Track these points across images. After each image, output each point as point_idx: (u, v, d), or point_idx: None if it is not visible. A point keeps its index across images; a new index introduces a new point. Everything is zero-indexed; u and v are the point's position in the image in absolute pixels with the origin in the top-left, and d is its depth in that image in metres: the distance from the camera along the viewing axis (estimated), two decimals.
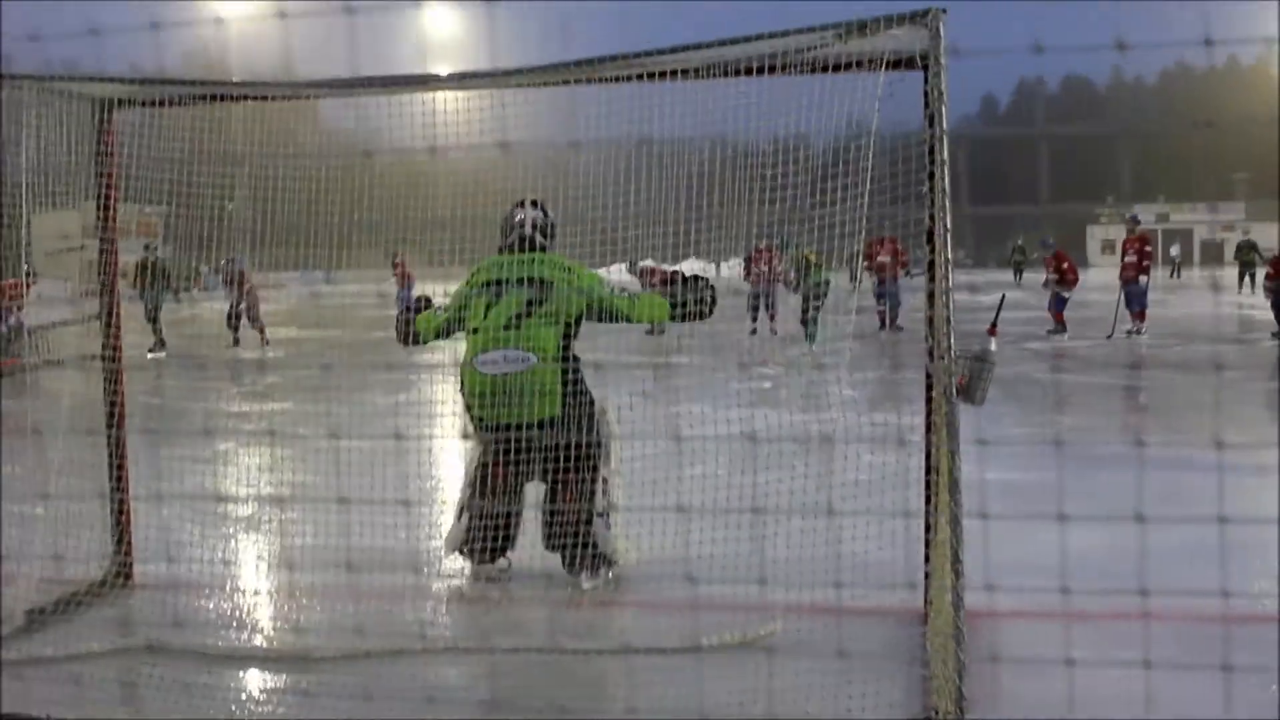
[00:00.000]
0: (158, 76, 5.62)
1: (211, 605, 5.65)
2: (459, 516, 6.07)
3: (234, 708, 4.49)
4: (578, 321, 5.99)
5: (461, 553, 6.07)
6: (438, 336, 6.25)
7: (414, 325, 6.23)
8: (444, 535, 6.17)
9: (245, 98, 5.47)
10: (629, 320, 6.02)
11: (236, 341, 21.53)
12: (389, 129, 5.38)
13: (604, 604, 5.55)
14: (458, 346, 6.18)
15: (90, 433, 5.69)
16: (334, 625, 5.05)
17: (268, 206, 5.76)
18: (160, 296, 20.46)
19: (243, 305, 21.17)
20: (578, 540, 5.79)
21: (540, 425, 5.74)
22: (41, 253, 6.24)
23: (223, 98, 5.44)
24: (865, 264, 20.34)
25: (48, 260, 6.51)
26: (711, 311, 6.08)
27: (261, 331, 21.48)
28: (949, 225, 3.92)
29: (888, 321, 22.70)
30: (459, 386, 5.98)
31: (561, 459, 5.71)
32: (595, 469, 5.91)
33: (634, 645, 4.89)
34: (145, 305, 20.17)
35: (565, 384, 5.82)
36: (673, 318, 6.04)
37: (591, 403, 5.98)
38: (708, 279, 6.09)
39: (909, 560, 4.57)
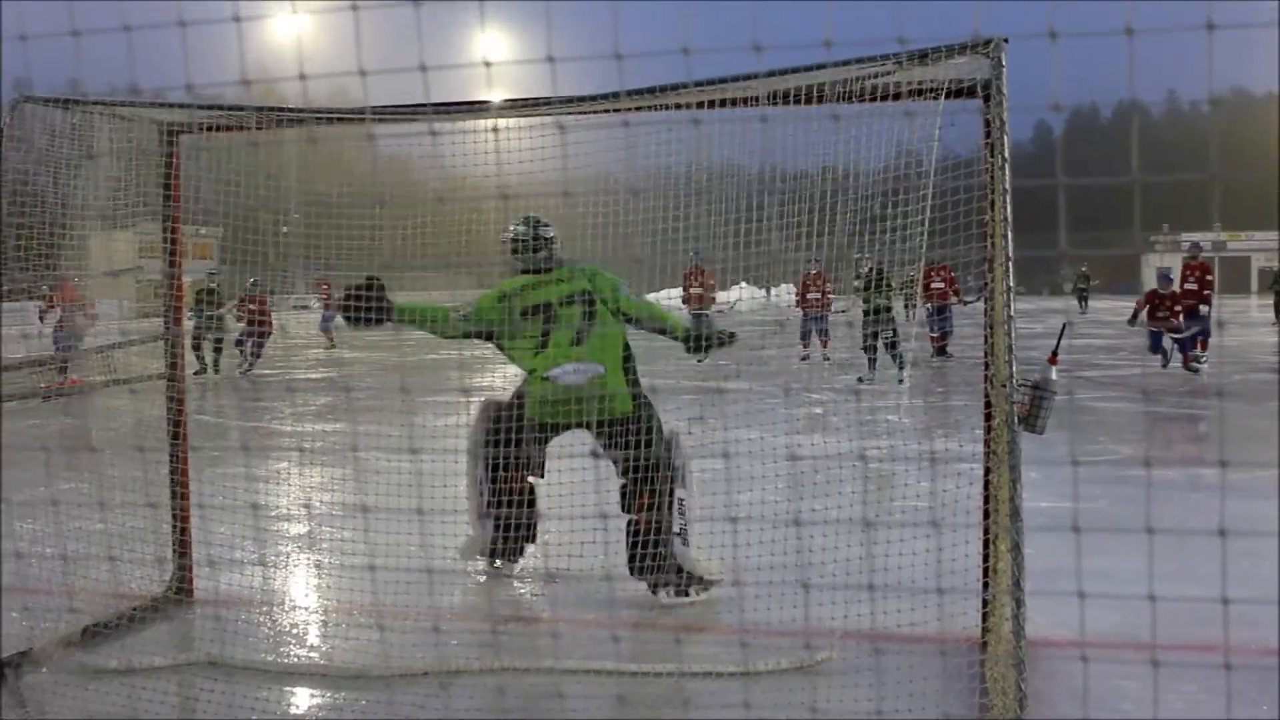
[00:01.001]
0: (218, 102, 5.70)
1: (268, 621, 5.71)
2: (479, 524, 6.30)
3: None
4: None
5: (484, 555, 6.40)
6: (426, 328, 6.29)
7: (391, 304, 6.05)
8: (461, 546, 6.27)
9: (306, 123, 5.53)
10: (658, 323, 6.36)
11: (204, 369, 20.43)
12: (449, 154, 5.43)
13: (655, 627, 5.54)
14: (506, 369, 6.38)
15: (150, 450, 5.76)
16: (390, 643, 5.09)
17: (322, 229, 5.84)
18: (215, 322, 20.25)
19: (252, 331, 20.05)
20: (658, 563, 6.00)
21: (615, 423, 6.05)
22: (99, 273, 6.34)
23: (286, 123, 5.51)
24: (921, 291, 20.21)
25: (104, 281, 6.61)
26: (702, 355, 6.55)
27: (256, 356, 20.87)
28: (1010, 254, 3.91)
29: (939, 348, 22.25)
30: (519, 404, 6.18)
31: (641, 481, 6.02)
32: (672, 491, 6.10)
33: (688, 669, 4.89)
34: (199, 329, 19.93)
35: (632, 387, 6.19)
36: (685, 337, 6.32)
37: (656, 417, 6.21)
38: (720, 337, 6.37)
39: (965, 587, 4.54)
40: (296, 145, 6.06)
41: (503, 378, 6.67)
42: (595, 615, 5.75)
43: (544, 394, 6.12)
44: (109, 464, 5.55)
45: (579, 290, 6.25)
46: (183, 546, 6.03)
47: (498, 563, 6.54)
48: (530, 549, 6.51)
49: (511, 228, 6.42)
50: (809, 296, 20.49)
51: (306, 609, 6.18)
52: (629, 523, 6.11)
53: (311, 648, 5.48)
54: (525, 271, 6.35)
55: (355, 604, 5.78)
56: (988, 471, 4.54)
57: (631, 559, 6.07)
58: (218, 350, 20.97)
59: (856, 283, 16.62)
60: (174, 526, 5.99)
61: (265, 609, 5.86)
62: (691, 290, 21.07)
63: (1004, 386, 3.91)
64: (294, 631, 5.69)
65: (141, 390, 5.94)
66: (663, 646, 5.30)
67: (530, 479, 6.34)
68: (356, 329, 6.12)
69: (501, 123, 5.16)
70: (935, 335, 22.12)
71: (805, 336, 21.35)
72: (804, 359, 21.02)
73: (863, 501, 4.34)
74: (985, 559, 4.56)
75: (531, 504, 6.37)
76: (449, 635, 5.30)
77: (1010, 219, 3.93)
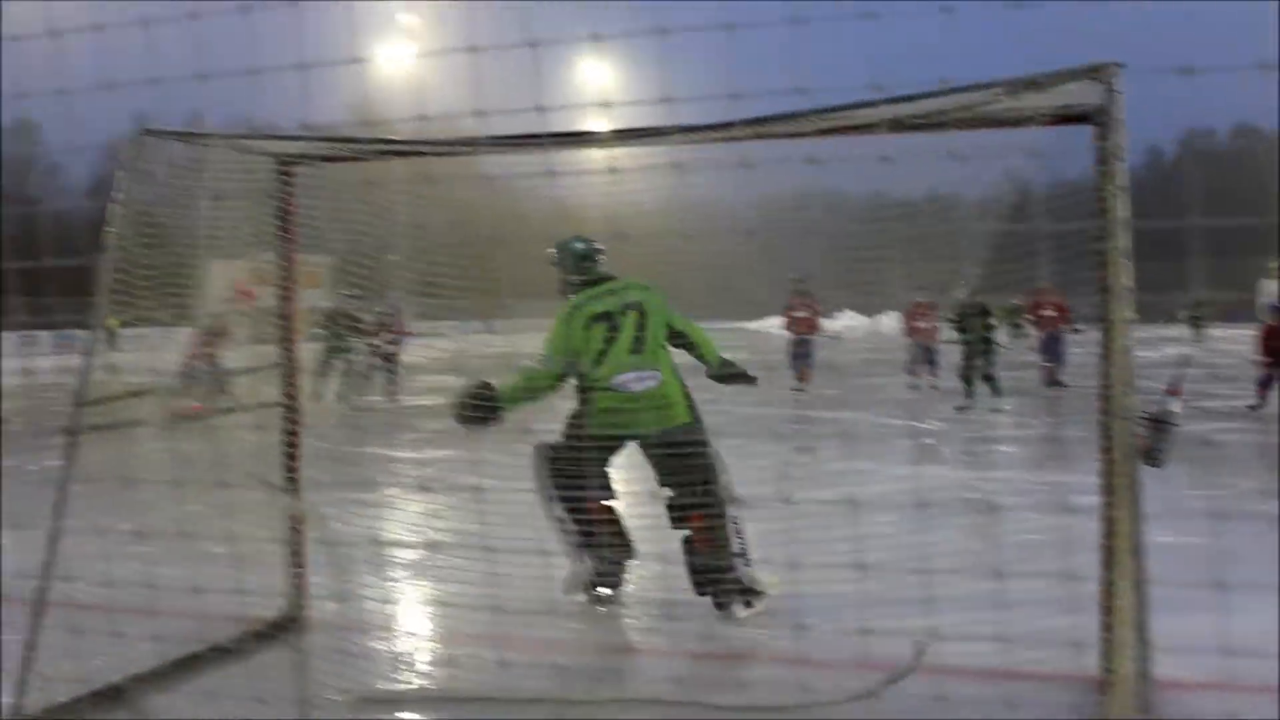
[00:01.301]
0: (329, 133, 5.80)
1: (384, 646, 5.78)
2: (575, 559, 6.42)
3: None
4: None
5: (587, 589, 6.49)
6: (534, 397, 6.49)
7: (498, 400, 6.38)
8: (565, 582, 6.42)
9: (420, 154, 5.61)
10: (693, 345, 6.73)
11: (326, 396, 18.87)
12: (556, 181, 5.48)
13: (770, 659, 5.50)
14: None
15: (264, 480, 5.87)
16: (507, 671, 5.14)
17: (428, 256, 5.93)
18: (342, 346, 19.04)
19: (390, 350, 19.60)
20: (722, 583, 6.14)
21: (673, 432, 6.30)
22: (213, 302, 6.49)
23: (397, 154, 5.59)
24: (1030, 318, 19.62)
25: (218, 310, 6.77)
26: (737, 382, 6.87)
27: (391, 382, 20.22)
28: (1130, 283, 3.83)
29: (1052, 378, 21.15)
30: (584, 412, 6.44)
31: (692, 495, 6.19)
32: (724, 513, 6.24)
33: (806, 700, 4.82)
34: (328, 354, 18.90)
35: (686, 397, 6.50)
36: (722, 366, 6.78)
37: (703, 429, 6.48)
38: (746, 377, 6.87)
39: (1081, 625, 4.43)
40: (407, 179, 6.15)
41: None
42: (709, 647, 5.72)
43: (607, 404, 6.32)
44: (228, 490, 5.67)
45: (633, 300, 6.48)
46: (299, 572, 6.13)
47: (601, 592, 6.58)
48: (630, 579, 6.62)
49: (576, 244, 6.62)
50: (918, 325, 20.31)
51: (420, 636, 6.24)
52: (685, 540, 6.24)
53: (424, 674, 5.53)
54: (584, 285, 6.56)
55: (469, 633, 5.83)
56: (1107, 506, 4.42)
57: (697, 577, 6.20)
58: (346, 375, 19.87)
59: (952, 313, 16.43)
60: (292, 552, 6.09)
61: (380, 635, 5.93)
62: (797, 315, 20.93)
63: (1123, 419, 3.82)
64: (408, 658, 5.74)
65: (261, 417, 6.07)
66: (772, 676, 5.25)
67: (607, 504, 6.48)
68: (469, 429, 6.43)
69: (617, 162, 5.19)
70: (1047, 364, 21.18)
71: (913, 366, 21.03)
72: (913, 388, 20.70)
73: (980, 536, 4.27)
74: (1106, 596, 4.44)
75: (617, 528, 6.52)
76: (564, 665, 5.33)
77: (1128, 247, 3.85)
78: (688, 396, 6.51)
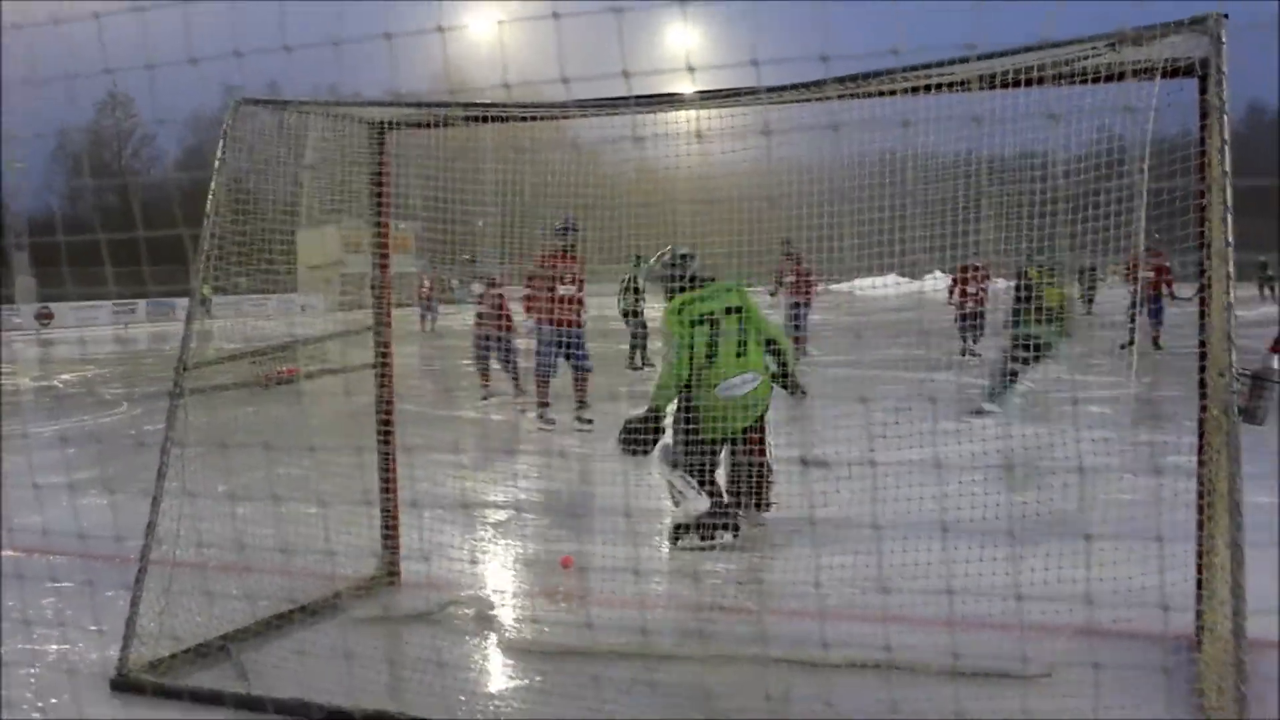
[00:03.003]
0: (421, 99, 5.85)
1: (472, 605, 5.88)
2: (691, 518, 6.88)
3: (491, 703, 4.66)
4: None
5: (687, 535, 6.98)
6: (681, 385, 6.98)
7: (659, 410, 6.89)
8: (670, 533, 7.01)
9: (511, 119, 5.63)
10: (779, 349, 7.21)
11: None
12: (647, 144, 5.47)
13: (860, 617, 5.49)
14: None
15: (358, 444, 5.97)
16: (589, 625, 5.21)
17: (516, 222, 5.98)
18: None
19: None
20: (756, 490, 7.11)
21: (760, 420, 7.05)
22: (304, 268, 6.59)
23: (490, 119, 5.62)
24: (1130, 279, 18.02)
25: (309, 275, 6.88)
26: (793, 393, 7.37)
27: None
28: (1230, 239, 3.74)
29: (1152, 340, 19.86)
30: (696, 409, 6.87)
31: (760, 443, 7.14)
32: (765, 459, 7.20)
33: (894, 661, 4.81)
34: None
35: (770, 386, 7.10)
36: (780, 368, 7.20)
37: None
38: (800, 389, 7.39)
39: (1177, 584, 4.37)
40: (492, 139, 6.18)
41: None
42: (799, 605, 5.73)
43: (713, 407, 6.82)
44: (323, 450, 5.78)
45: (734, 304, 7.01)
46: (391, 532, 6.24)
47: (700, 541, 6.98)
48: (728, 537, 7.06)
49: (670, 250, 7.21)
50: (967, 290, 18.23)
51: (508, 592, 6.32)
52: (734, 464, 7.09)
53: (515, 628, 5.61)
54: (682, 289, 7.10)
55: (558, 589, 5.90)
56: (1201, 465, 4.35)
57: (732, 487, 7.09)
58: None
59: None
60: (384, 513, 6.19)
61: (470, 592, 6.02)
62: (785, 280, 19.50)
63: (1222, 375, 3.75)
64: (498, 615, 5.82)
65: (355, 380, 6.18)
66: (869, 636, 5.25)
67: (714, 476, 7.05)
68: (635, 455, 6.83)
69: (703, 124, 5.18)
70: (1150, 326, 19.81)
71: (963, 333, 19.21)
72: (963, 354, 19.02)
73: (1078, 497, 4.23)
74: (1199, 555, 4.38)
75: (720, 495, 7.08)
76: (652, 621, 5.38)
77: (1230, 204, 3.76)
78: (772, 388, 7.12)
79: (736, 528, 7.06)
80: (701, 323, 6.92)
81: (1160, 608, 4.12)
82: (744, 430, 6.94)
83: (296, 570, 5.59)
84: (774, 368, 7.15)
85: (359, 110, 5.94)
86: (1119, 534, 4.21)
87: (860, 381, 14.82)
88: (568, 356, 12.45)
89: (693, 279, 7.13)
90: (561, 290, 11.73)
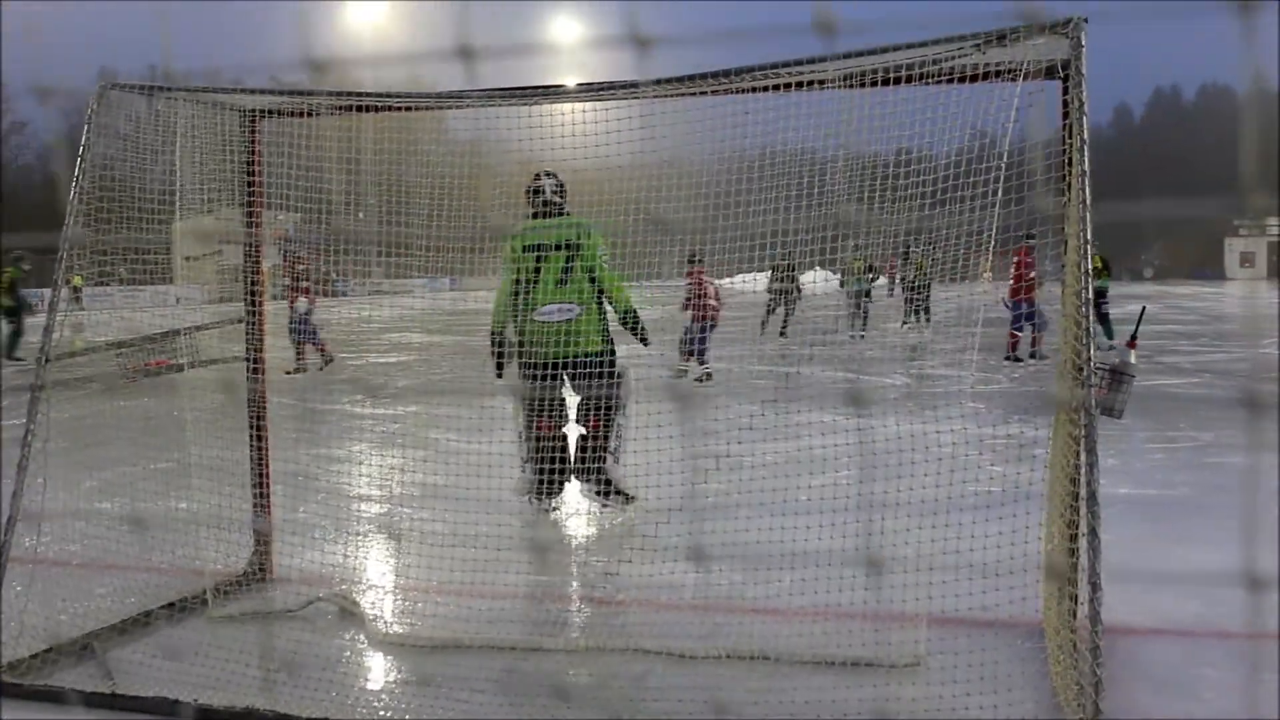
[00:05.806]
0: (300, 88, 5.74)
1: (344, 601, 5.80)
2: (525, 467, 7.22)
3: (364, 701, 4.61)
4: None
5: (530, 495, 7.26)
6: (511, 311, 7.43)
7: (498, 334, 7.50)
8: (514, 485, 7.06)
9: (389, 109, 5.56)
10: (608, 293, 7.44)
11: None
12: (516, 138, 5.45)
13: (728, 610, 5.54)
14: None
15: (231, 433, 5.86)
16: (462, 619, 5.18)
17: (396, 214, 5.92)
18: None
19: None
20: (595, 470, 7.46)
21: (585, 358, 7.26)
22: (180, 258, 6.44)
23: (367, 109, 5.54)
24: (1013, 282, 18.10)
25: (186, 266, 6.72)
26: (640, 338, 7.64)
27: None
28: (1089, 237, 3.85)
29: (1033, 347, 18.68)
30: (517, 334, 7.33)
31: (592, 404, 7.42)
32: (612, 418, 7.42)
33: (763, 652, 4.87)
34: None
35: (601, 327, 7.42)
36: (625, 318, 7.48)
37: (614, 353, 7.54)
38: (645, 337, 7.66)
39: (1033, 573, 4.49)
40: (372, 132, 6.10)
41: None
42: (667, 597, 5.76)
43: (531, 332, 7.24)
44: (192, 445, 5.67)
45: (568, 238, 7.35)
46: (261, 526, 6.12)
47: (540, 501, 7.43)
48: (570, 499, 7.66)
49: (539, 181, 7.51)
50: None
51: (382, 587, 6.26)
52: (580, 436, 7.50)
53: (387, 622, 5.55)
54: (535, 216, 7.53)
55: (429, 582, 5.85)
56: (1059, 454, 4.46)
57: (578, 464, 7.48)
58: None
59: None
60: (255, 505, 6.08)
61: (343, 586, 5.94)
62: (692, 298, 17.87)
63: (1081, 370, 3.86)
64: (372, 608, 5.76)
65: (225, 372, 6.06)
66: (730, 627, 5.30)
67: (557, 427, 7.45)
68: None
69: (577, 108, 5.18)
70: (1027, 331, 18.59)
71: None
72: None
73: (935, 485, 4.32)
74: (1057, 541, 4.50)
75: (562, 450, 7.48)
76: (519, 612, 5.37)
77: (1089, 201, 3.86)
78: (605, 330, 7.46)
79: (605, 495, 7.43)
80: (530, 250, 7.34)
81: (1018, 595, 4.25)
82: (568, 362, 7.25)
83: (164, 567, 5.46)
84: (612, 314, 7.48)
85: (229, 97, 5.80)
86: (985, 520, 4.32)
87: (736, 377, 14.91)
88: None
89: (545, 204, 7.53)
90: None
